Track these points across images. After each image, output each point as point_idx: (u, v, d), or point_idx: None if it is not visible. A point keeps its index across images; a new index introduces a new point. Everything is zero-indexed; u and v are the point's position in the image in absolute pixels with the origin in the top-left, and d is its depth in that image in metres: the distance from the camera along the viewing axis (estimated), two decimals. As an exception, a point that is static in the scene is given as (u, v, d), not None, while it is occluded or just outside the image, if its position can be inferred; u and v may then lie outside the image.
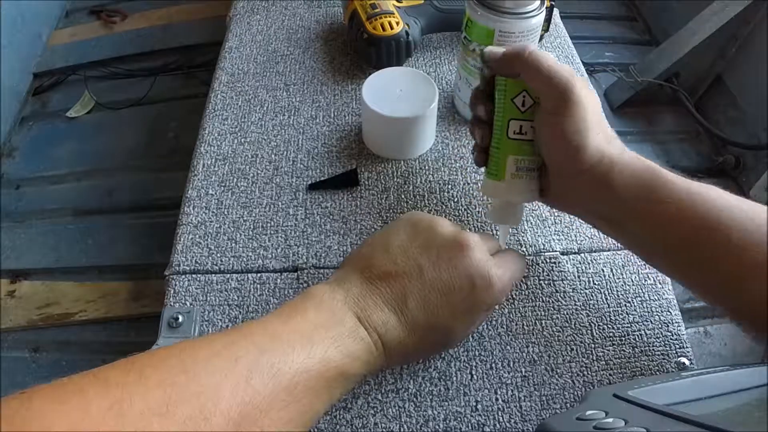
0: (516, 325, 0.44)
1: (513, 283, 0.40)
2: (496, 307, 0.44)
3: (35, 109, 1.22)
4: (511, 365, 0.42)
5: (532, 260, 0.47)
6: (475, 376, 0.41)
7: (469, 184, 0.53)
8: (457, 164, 0.54)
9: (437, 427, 0.39)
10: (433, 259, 0.35)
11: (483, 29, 0.47)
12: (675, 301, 0.45)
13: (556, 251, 0.48)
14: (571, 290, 0.46)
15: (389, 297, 0.34)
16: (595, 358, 0.42)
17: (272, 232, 0.50)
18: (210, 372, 0.27)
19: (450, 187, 0.53)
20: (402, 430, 0.39)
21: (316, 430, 0.39)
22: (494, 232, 0.49)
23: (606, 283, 0.46)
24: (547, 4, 0.46)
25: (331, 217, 0.51)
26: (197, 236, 0.50)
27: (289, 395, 0.29)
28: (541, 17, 0.46)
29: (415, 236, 0.37)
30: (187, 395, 0.26)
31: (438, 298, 0.35)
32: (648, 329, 0.44)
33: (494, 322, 0.44)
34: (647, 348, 0.43)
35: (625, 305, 0.45)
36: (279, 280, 0.47)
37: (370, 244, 0.38)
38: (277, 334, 0.31)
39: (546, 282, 0.46)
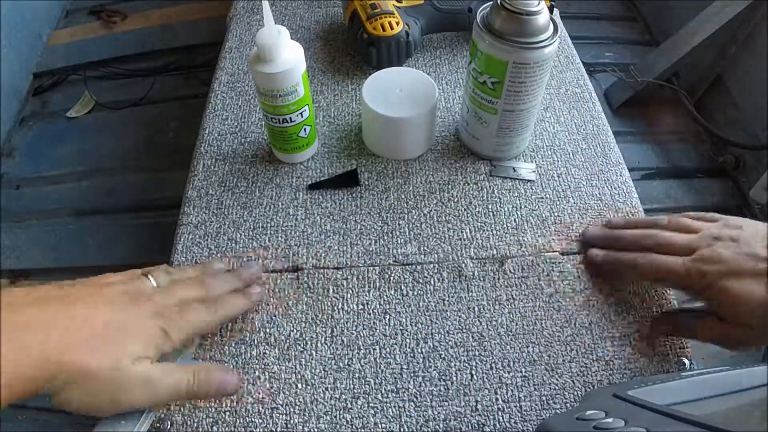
0: (516, 325, 0.44)
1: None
2: (497, 306, 0.44)
3: (35, 109, 1.23)
4: (511, 365, 0.42)
5: (532, 260, 0.47)
6: (475, 376, 0.41)
7: (469, 184, 0.53)
8: (457, 164, 0.54)
9: (437, 427, 0.39)
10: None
11: (497, 61, 0.45)
12: (675, 302, 0.45)
13: (556, 251, 0.48)
14: (571, 290, 0.46)
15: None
16: (595, 358, 0.42)
17: (272, 232, 0.50)
18: None
19: (450, 187, 0.53)
20: (402, 430, 0.39)
21: (316, 430, 0.39)
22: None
23: (606, 282, 0.46)
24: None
25: (331, 217, 0.51)
26: (197, 236, 0.50)
27: None
28: (555, 45, 0.45)
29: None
30: None
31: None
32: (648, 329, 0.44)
33: (494, 322, 0.44)
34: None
35: (625, 305, 0.45)
36: (279, 280, 0.47)
37: None
38: None
39: (546, 282, 0.46)
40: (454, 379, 0.41)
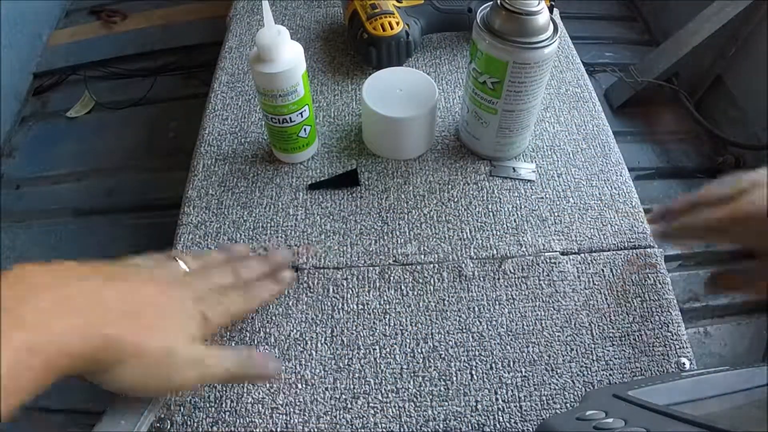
0: (516, 325, 0.44)
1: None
2: (497, 306, 0.44)
3: (35, 109, 1.22)
4: (511, 365, 0.42)
5: (532, 260, 0.47)
6: (475, 376, 0.41)
7: (469, 184, 0.53)
8: (457, 164, 0.54)
9: (437, 427, 0.39)
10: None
11: (497, 62, 0.45)
12: (675, 302, 0.45)
13: (556, 251, 0.48)
14: (571, 290, 0.46)
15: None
16: (595, 358, 0.42)
17: (272, 232, 0.50)
18: None
19: (450, 187, 0.53)
20: (402, 430, 0.39)
21: (316, 430, 0.39)
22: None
23: (606, 283, 0.46)
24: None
25: (331, 217, 0.51)
26: (197, 236, 0.50)
27: None
28: (555, 45, 0.45)
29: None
30: None
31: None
32: (648, 329, 0.44)
33: (494, 322, 0.44)
34: (647, 348, 0.43)
35: (625, 305, 0.45)
36: (279, 280, 0.47)
37: None
38: None
39: (546, 282, 0.46)
40: (454, 379, 0.41)
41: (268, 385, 0.41)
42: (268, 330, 0.44)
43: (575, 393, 0.40)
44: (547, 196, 0.52)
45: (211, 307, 0.36)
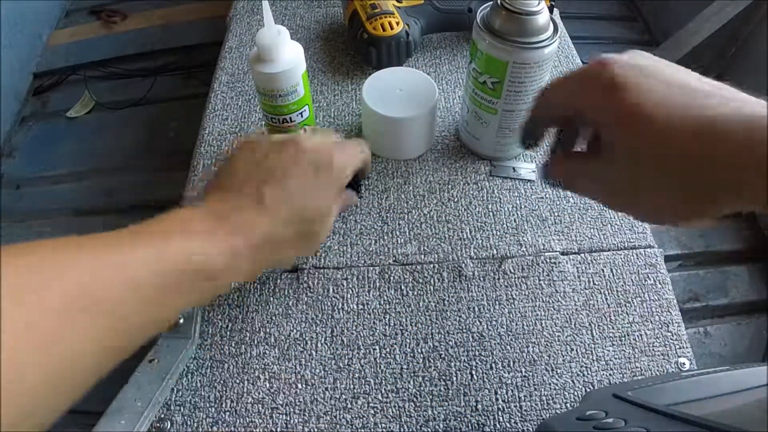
0: (516, 325, 0.44)
1: (355, 152, 0.43)
2: (497, 306, 0.44)
3: (35, 109, 1.23)
4: (511, 365, 0.42)
5: (532, 260, 0.47)
6: (475, 376, 0.41)
7: (469, 184, 0.53)
8: (457, 164, 0.54)
9: (437, 427, 0.39)
10: (277, 156, 0.38)
11: (497, 62, 0.45)
12: (675, 302, 0.45)
13: (556, 251, 0.48)
14: (571, 290, 0.46)
15: (245, 196, 0.36)
16: (595, 358, 0.42)
17: (272, 232, 0.50)
18: (46, 254, 0.26)
19: (450, 187, 0.53)
20: (402, 430, 0.39)
21: (316, 430, 0.39)
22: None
23: (606, 283, 0.46)
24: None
25: (331, 217, 0.51)
26: (197, 236, 0.50)
27: (135, 291, 0.28)
28: (555, 45, 0.45)
29: (254, 151, 0.39)
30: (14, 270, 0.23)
31: (291, 182, 0.37)
32: (648, 329, 0.44)
33: (494, 322, 0.44)
34: (647, 348, 0.43)
35: (625, 305, 0.45)
36: (279, 280, 0.47)
37: (213, 179, 0.39)
38: (114, 239, 0.31)
39: (546, 282, 0.46)
40: (454, 379, 0.41)
41: (268, 385, 0.41)
42: (268, 330, 0.44)
43: (575, 393, 0.40)
44: (547, 196, 0.52)
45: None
